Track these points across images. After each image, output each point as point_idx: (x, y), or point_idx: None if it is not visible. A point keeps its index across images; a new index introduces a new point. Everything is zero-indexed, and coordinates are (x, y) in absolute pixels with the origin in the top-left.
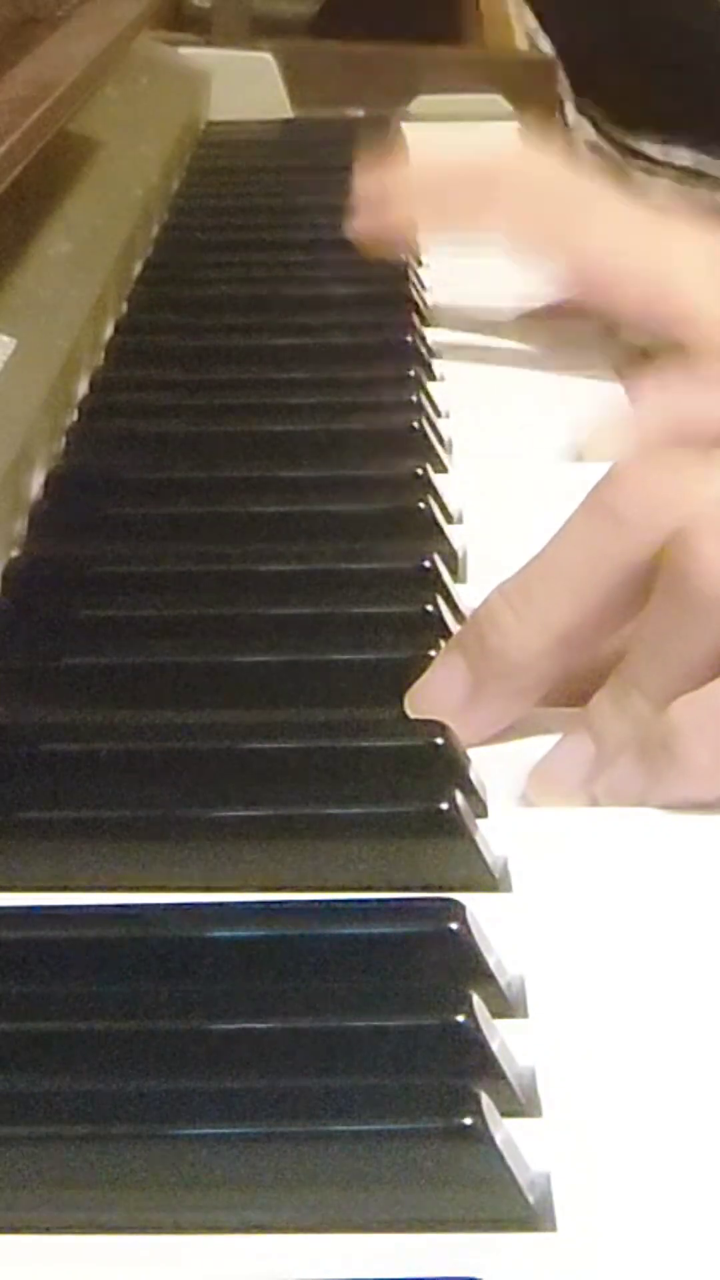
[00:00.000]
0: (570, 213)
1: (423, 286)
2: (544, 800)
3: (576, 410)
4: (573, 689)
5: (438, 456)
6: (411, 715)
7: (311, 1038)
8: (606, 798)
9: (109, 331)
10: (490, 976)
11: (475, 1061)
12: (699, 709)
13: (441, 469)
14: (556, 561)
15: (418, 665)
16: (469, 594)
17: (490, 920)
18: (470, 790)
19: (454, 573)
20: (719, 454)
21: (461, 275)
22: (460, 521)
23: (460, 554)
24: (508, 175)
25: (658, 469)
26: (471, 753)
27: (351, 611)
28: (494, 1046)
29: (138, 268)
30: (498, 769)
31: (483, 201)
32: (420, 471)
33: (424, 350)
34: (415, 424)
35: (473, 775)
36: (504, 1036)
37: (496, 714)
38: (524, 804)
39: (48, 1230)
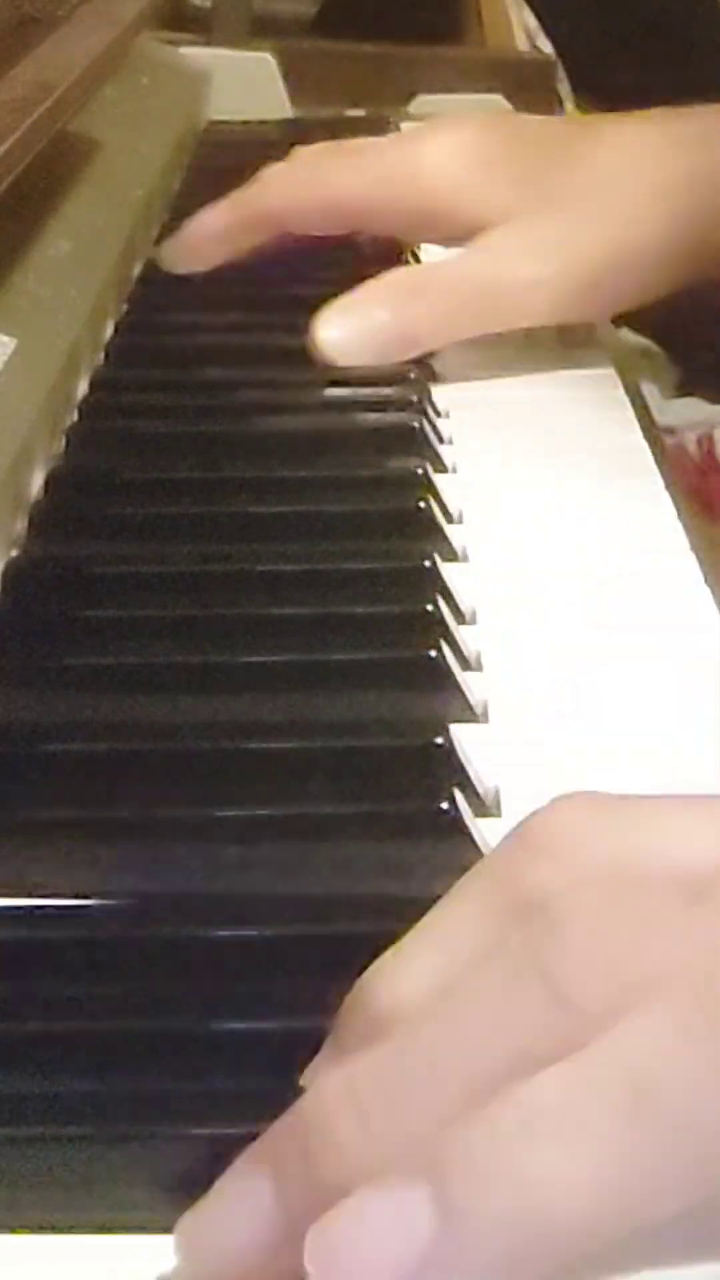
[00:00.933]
0: (321, 168)
1: None
2: None
3: (577, 409)
4: None
5: (438, 456)
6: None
7: (311, 1038)
8: None
9: (109, 331)
10: None
11: None
12: None
13: (441, 469)
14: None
15: (417, 665)
16: (470, 595)
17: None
18: (470, 790)
19: None
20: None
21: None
22: (460, 521)
23: (460, 554)
24: (269, 176)
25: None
26: (472, 753)
27: (351, 611)
28: None
29: (138, 268)
30: (498, 769)
31: (257, 216)
32: (420, 471)
33: None
34: (415, 424)
35: (473, 775)
36: None
37: None
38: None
39: (48, 1230)
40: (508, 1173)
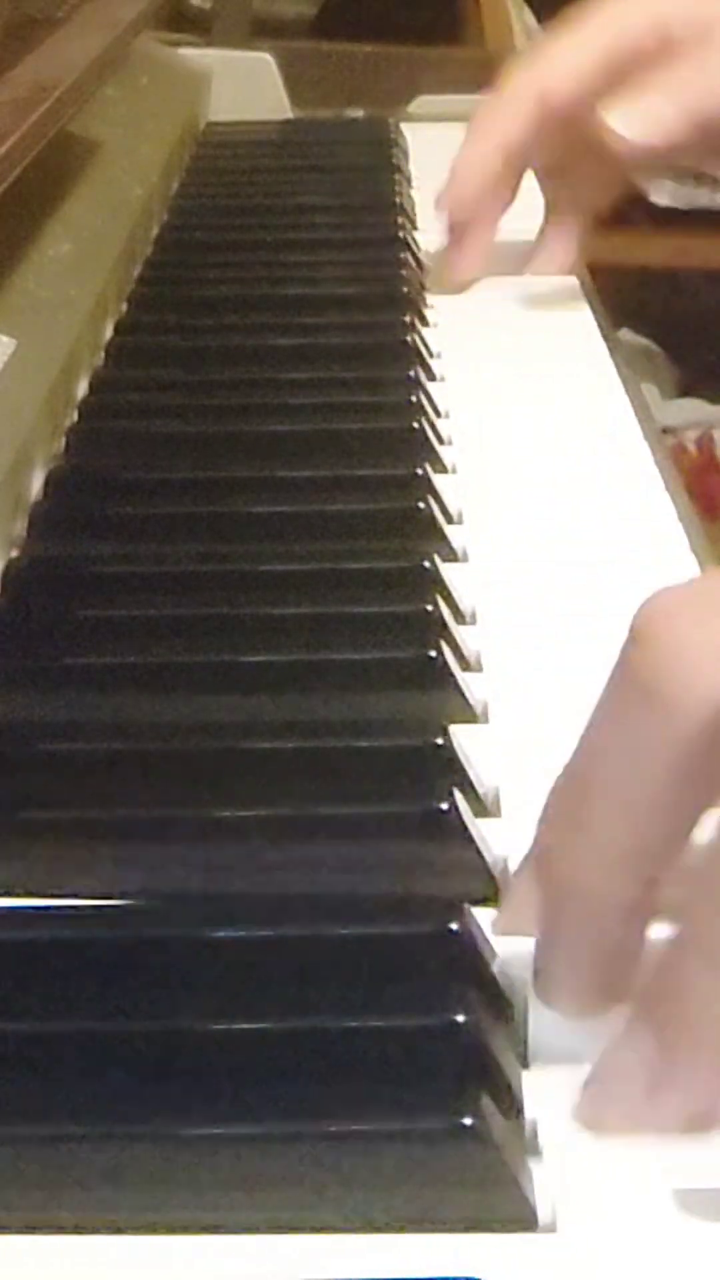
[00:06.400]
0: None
1: (423, 287)
2: (601, 1127)
3: (577, 411)
4: None
5: (438, 456)
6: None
7: (311, 1038)
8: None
9: (109, 331)
10: (490, 977)
11: (475, 1061)
12: None
13: (441, 469)
14: (596, 768)
15: (417, 665)
16: (469, 595)
17: (490, 921)
18: (470, 790)
19: None
20: None
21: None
22: (460, 521)
23: (460, 554)
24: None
25: (689, 627)
26: (471, 753)
27: (351, 611)
28: (494, 1047)
29: (138, 268)
30: (498, 769)
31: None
32: (420, 471)
33: (424, 350)
34: (415, 424)
35: (473, 775)
36: (504, 1037)
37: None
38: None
39: (48, 1230)
40: None
